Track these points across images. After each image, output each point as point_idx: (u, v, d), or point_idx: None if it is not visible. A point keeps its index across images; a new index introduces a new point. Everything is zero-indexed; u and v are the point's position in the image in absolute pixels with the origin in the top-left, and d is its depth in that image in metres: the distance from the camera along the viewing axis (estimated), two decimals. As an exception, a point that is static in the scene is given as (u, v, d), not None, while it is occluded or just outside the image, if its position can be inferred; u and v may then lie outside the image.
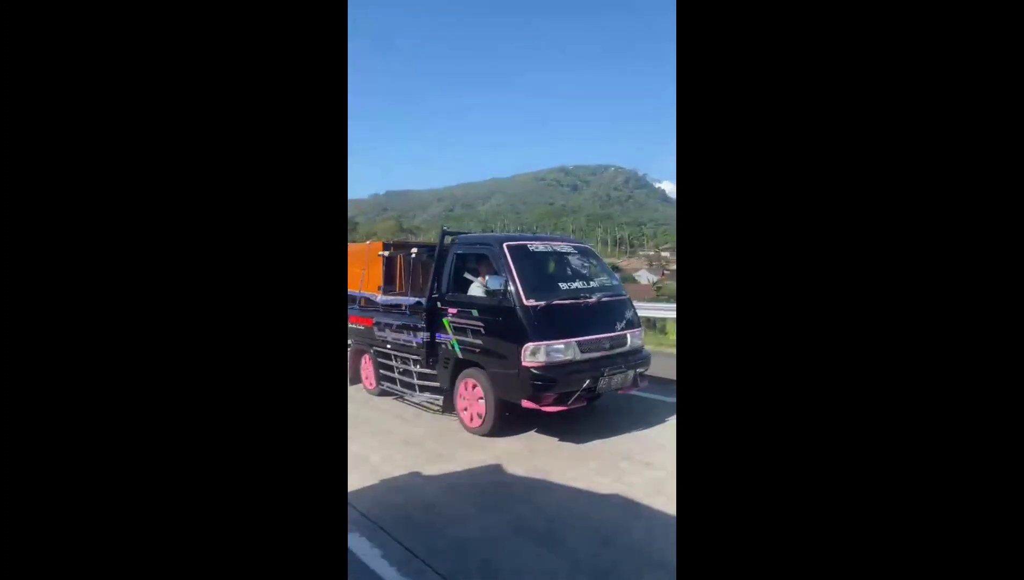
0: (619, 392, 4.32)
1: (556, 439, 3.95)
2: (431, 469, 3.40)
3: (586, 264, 4.83)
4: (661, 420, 4.36)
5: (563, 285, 4.22)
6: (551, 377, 3.70)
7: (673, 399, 5.02)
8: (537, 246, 4.41)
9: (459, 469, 3.41)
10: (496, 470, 3.40)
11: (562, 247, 4.69)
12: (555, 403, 3.76)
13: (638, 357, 4.38)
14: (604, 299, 4.32)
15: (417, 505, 2.85)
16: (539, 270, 4.31)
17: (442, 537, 2.48)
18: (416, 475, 3.30)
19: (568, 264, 4.69)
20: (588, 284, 4.45)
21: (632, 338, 4.38)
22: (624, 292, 4.82)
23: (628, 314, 4.48)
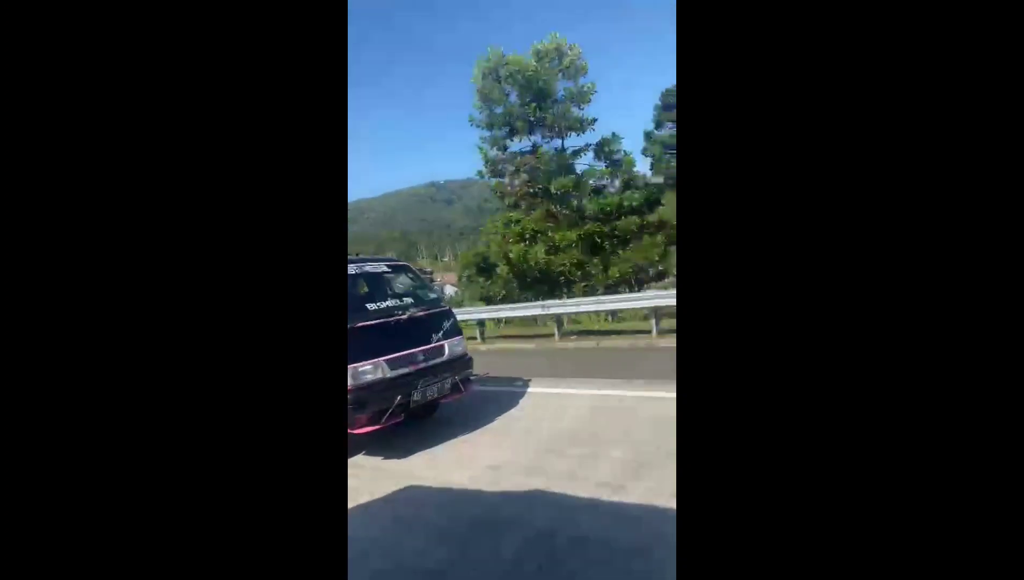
0: (442, 401, 4.41)
1: (380, 458, 3.91)
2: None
3: (401, 282, 4.87)
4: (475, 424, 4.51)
5: (372, 305, 4.21)
6: (359, 399, 3.66)
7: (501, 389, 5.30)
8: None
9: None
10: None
11: (375, 267, 4.68)
12: (369, 423, 3.72)
13: (458, 365, 4.51)
14: (418, 314, 4.39)
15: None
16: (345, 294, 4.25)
17: None
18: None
19: (380, 284, 4.69)
20: (401, 301, 4.49)
21: (451, 347, 4.49)
22: (442, 304, 4.94)
23: (446, 324, 4.59)
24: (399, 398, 3.85)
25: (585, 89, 13.57)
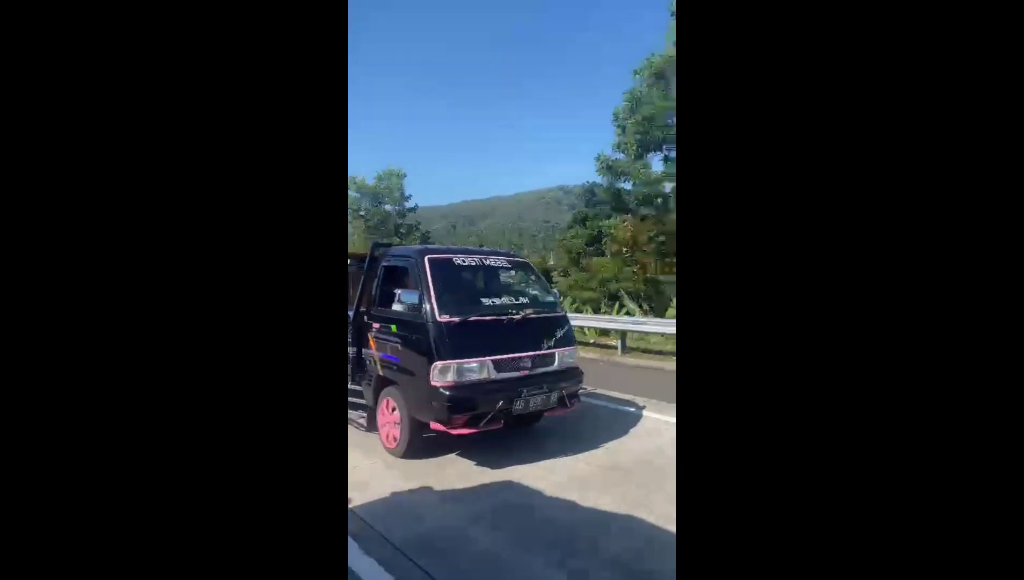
0: (546, 414, 4.05)
1: (473, 463, 3.67)
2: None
3: (520, 279, 4.59)
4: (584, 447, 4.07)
5: (486, 301, 3.96)
6: (461, 397, 3.43)
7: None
8: (463, 259, 4.15)
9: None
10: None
11: (494, 261, 4.44)
12: (467, 425, 3.48)
13: (568, 377, 4.11)
14: (532, 316, 4.06)
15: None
16: (461, 284, 4.06)
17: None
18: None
19: (498, 279, 4.44)
20: (516, 300, 4.20)
21: (562, 357, 4.11)
22: (560, 309, 4.57)
23: (560, 332, 4.21)
24: (501, 403, 3.56)
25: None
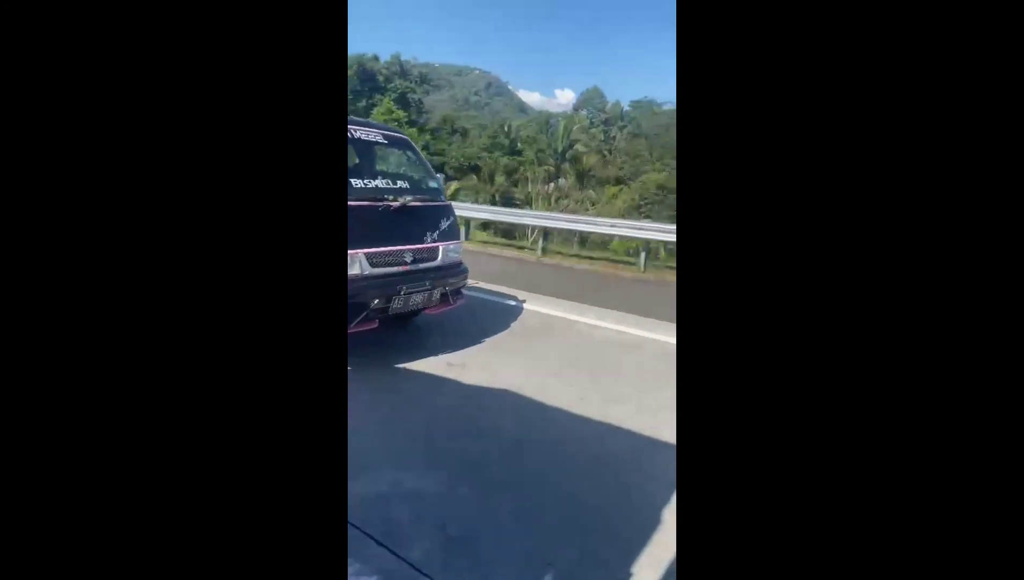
0: (426, 312, 3.65)
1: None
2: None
3: (398, 160, 3.87)
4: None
5: (358, 182, 3.24)
6: (329, 296, 2.85)
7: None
8: (329, 128, 3.30)
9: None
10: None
11: (369, 134, 3.64)
12: (336, 327, 2.94)
13: (452, 273, 3.70)
14: (414, 204, 3.47)
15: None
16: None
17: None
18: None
19: (372, 157, 3.69)
20: (394, 184, 3.53)
21: (446, 252, 3.66)
22: (443, 197, 4.02)
23: (444, 223, 3.71)
24: (376, 301, 3.05)
25: None
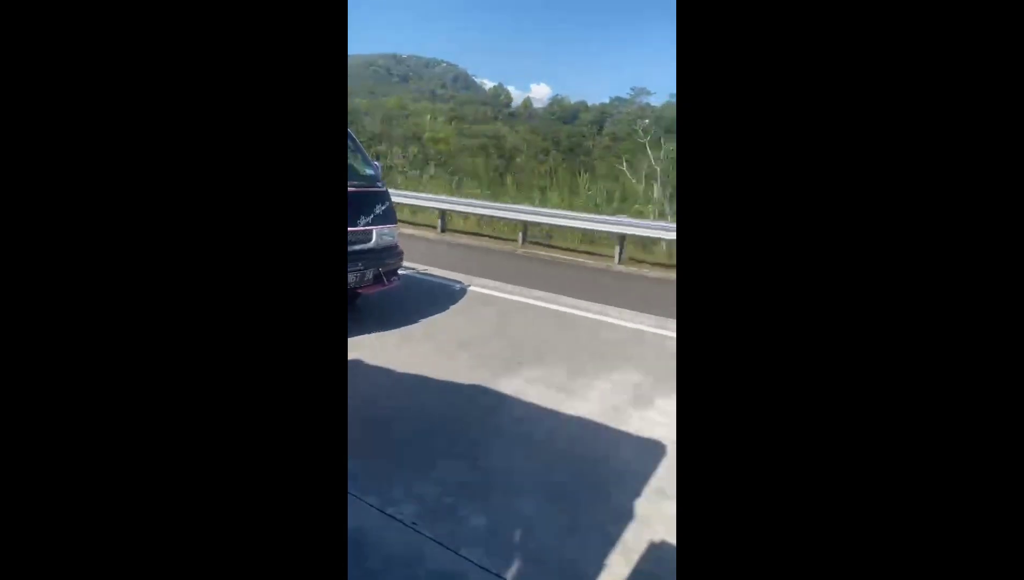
0: (359, 291, 3.87)
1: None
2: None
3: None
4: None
5: (293, 168, 3.43)
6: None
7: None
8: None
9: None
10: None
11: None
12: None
13: (386, 255, 3.93)
14: (348, 189, 3.67)
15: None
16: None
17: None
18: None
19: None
20: (330, 170, 3.73)
21: (380, 234, 3.88)
22: (380, 184, 4.22)
23: (379, 208, 3.93)
24: (310, 280, 3.26)
25: None
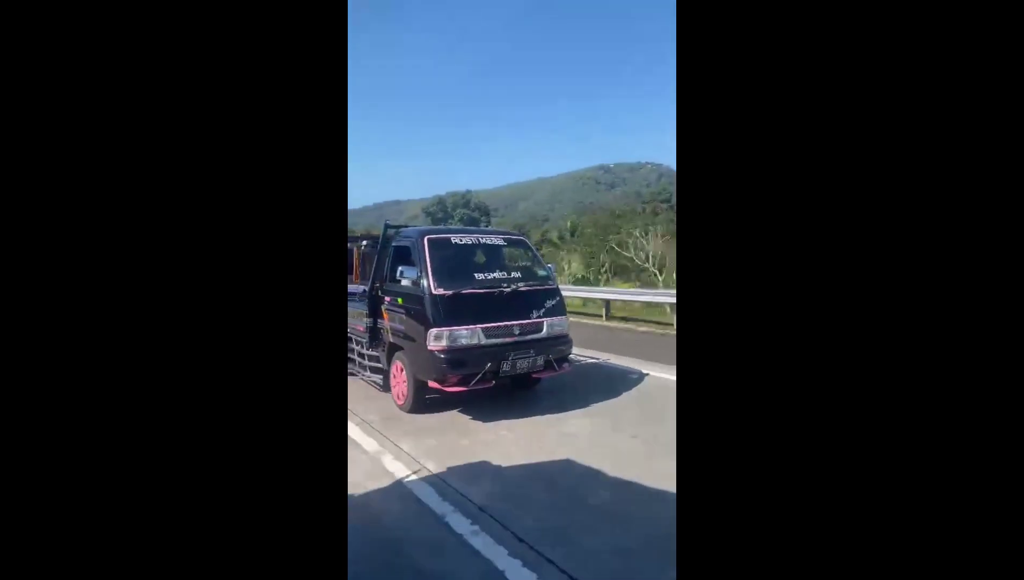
0: (533, 376, 4.37)
1: (468, 417, 4.05)
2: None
3: (514, 256, 4.89)
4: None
5: (480, 275, 4.29)
6: (453, 359, 3.80)
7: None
8: (460, 238, 4.49)
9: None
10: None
11: (490, 240, 4.76)
12: (459, 384, 3.85)
13: (556, 343, 4.41)
14: (522, 289, 4.37)
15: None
16: (457, 261, 4.37)
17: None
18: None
19: (494, 256, 4.75)
20: (508, 274, 4.51)
21: (551, 325, 4.41)
22: (552, 282, 4.85)
23: (549, 303, 4.50)
24: (489, 365, 3.90)
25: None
